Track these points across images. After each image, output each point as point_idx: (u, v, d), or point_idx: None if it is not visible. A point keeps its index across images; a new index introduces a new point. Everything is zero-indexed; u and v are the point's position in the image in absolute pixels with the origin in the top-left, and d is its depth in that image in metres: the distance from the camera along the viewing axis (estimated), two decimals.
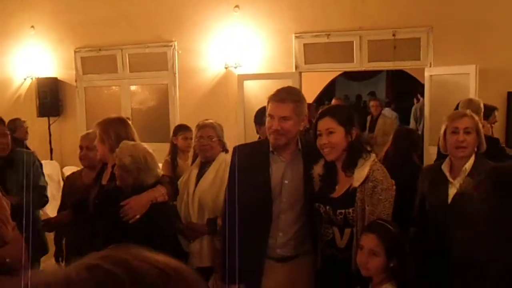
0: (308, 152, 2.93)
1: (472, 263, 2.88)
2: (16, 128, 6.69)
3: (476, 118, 3.12)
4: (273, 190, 2.89)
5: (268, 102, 2.91)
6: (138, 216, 3.02)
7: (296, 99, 2.89)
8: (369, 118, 8.42)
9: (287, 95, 2.87)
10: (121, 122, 3.58)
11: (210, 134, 3.85)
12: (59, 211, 4.24)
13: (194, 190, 3.83)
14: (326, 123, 2.76)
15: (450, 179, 3.06)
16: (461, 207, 2.88)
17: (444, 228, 3.00)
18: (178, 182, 3.97)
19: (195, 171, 3.96)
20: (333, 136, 2.74)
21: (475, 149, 3.05)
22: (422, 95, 8.11)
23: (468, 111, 3.17)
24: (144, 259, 0.70)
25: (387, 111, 11.46)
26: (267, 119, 2.90)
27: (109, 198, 3.17)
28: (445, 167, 3.11)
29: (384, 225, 2.56)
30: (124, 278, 0.65)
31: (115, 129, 3.45)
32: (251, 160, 2.93)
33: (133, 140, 3.48)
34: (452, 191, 3.03)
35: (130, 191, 3.10)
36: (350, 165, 2.75)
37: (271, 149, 2.93)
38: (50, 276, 0.67)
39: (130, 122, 3.95)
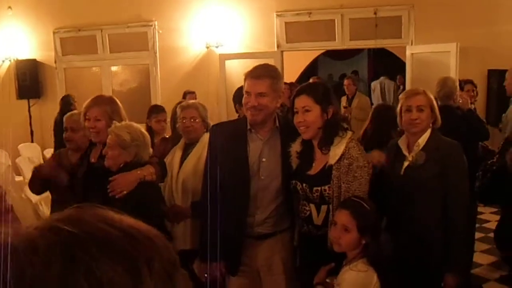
0: (286, 130, 2.93)
1: (425, 234, 3.01)
2: None
3: (430, 95, 3.21)
4: (251, 168, 2.88)
5: (245, 79, 2.90)
6: (125, 192, 3.01)
7: (273, 75, 2.88)
8: (344, 98, 8.37)
9: (263, 72, 2.87)
10: (115, 101, 3.58)
11: (193, 115, 3.81)
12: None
13: (178, 172, 3.80)
14: (302, 101, 2.76)
15: (406, 153, 3.16)
16: (413, 178, 3.05)
17: (398, 200, 3.14)
18: None
19: (179, 153, 3.91)
20: (309, 114, 2.74)
21: (430, 125, 3.15)
22: (404, 73, 8.12)
23: (421, 89, 3.24)
24: (111, 222, 0.69)
25: (386, 81, 11.50)
26: (244, 96, 2.89)
27: (99, 174, 3.15)
28: (401, 143, 3.21)
29: (357, 202, 2.58)
30: (90, 242, 0.64)
31: (112, 107, 3.45)
32: (229, 138, 2.92)
33: (125, 120, 3.55)
34: (405, 164, 3.14)
35: (121, 170, 3.09)
36: (326, 143, 2.76)
37: (248, 127, 2.93)
38: (14, 239, 0.65)
39: None
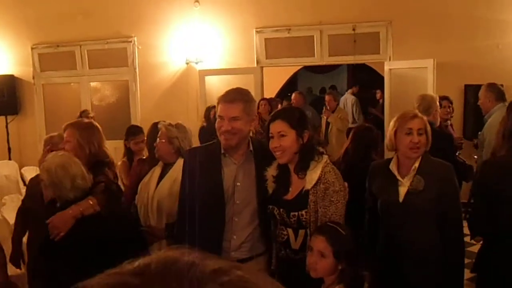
0: (260, 153, 2.92)
1: (423, 257, 3.00)
2: None
3: (425, 118, 3.17)
4: (225, 192, 2.86)
5: (218, 103, 2.89)
6: (61, 234, 2.91)
7: (246, 99, 2.87)
8: (324, 110, 8.47)
9: (236, 95, 2.85)
10: (91, 127, 3.65)
11: (160, 135, 3.80)
12: (19, 213, 4.17)
13: (153, 193, 3.78)
14: (277, 126, 2.76)
15: (400, 178, 3.09)
16: (413, 204, 3.00)
17: (396, 226, 3.09)
18: (139, 185, 3.90)
19: (157, 173, 3.87)
20: (284, 139, 2.73)
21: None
22: (382, 87, 8.20)
23: (417, 111, 3.22)
24: None
25: (348, 96, 11.67)
26: (217, 120, 2.87)
27: (48, 214, 3.06)
28: (393, 166, 3.13)
29: (333, 228, 2.58)
30: None
31: (85, 133, 3.52)
32: (203, 163, 2.90)
33: (101, 145, 3.61)
34: (402, 190, 3.06)
35: (59, 207, 2.99)
36: (302, 168, 2.76)
37: (222, 151, 2.91)
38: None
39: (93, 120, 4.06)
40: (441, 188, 2.98)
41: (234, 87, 2.98)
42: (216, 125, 2.88)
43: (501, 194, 2.93)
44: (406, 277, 3.04)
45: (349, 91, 12.28)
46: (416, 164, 3.05)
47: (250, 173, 2.91)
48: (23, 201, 4.27)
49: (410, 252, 3.03)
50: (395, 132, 3.11)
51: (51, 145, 3.83)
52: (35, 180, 4.15)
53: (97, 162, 3.50)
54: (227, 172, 2.90)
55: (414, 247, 3.02)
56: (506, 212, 2.91)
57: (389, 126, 3.19)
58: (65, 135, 3.62)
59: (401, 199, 3.05)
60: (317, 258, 2.53)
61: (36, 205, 3.60)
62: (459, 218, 3.05)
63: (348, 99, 11.56)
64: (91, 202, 3.06)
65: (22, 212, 4.13)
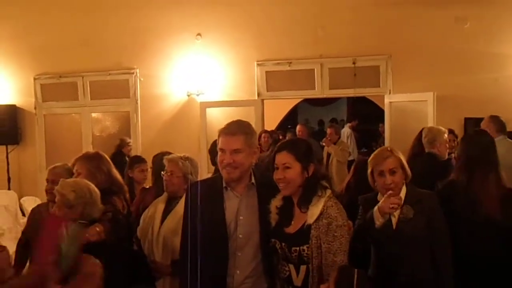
0: (262, 186, 2.90)
1: (416, 281, 3.09)
2: None
3: (399, 154, 3.26)
4: (228, 227, 2.83)
5: (219, 136, 2.87)
6: None
7: (247, 131, 2.87)
8: (325, 140, 8.54)
9: (237, 128, 2.85)
10: (98, 156, 3.81)
11: (172, 169, 3.78)
12: (19, 246, 4.13)
13: (159, 228, 3.72)
14: (283, 158, 2.75)
15: None
16: (405, 232, 3.11)
17: (390, 254, 3.19)
18: (142, 217, 3.87)
19: (161, 207, 3.83)
20: (289, 172, 2.73)
21: (404, 181, 3.22)
22: (383, 120, 8.25)
23: (388, 151, 3.28)
24: None
25: (345, 129, 11.76)
26: (219, 153, 2.86)
27: None
28: (381, 198, 3.21)
29: (346, 268, 2.54)
30: None
31: (94, 163, 3.65)
32: (205, 197, 2.87)
33: (111, 172, 3.73)
34: (394, 219, 3.17)
35: None
36: (305, 202, 2.74)
37: (224, 184, 2.89)
38: None
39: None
40: (429, 216, 3.14)
41: (235, 119, 2.98)
42: (218, 158, 2.87)
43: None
44: None
45: (348, 125, 12.39)
46: (402, 195, 3.17)
47: (253, 206, 2.88)
48: (23, 232, 4.24)
49: (405, 278, 3.09)
50: (372, 173, 3.27)
51: (55, 175, 3.84)
52: (37, 209, 4.14)
53: (105, 190, 3.51)
54: (229, 206, 2.87)
55: (410, 274, 3.10)
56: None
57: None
58: (75, 168, 3.74)
59: (394, 227, 3.16)
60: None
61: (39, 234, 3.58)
62: (447, 244, 3.18)
63: (345, 132, 11.66)
64: (97, 229, 3.10)
65: (22, 246, 4.10)
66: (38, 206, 4.26)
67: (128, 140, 7.94)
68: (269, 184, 2.84)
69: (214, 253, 2.80)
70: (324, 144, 8.45)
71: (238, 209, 2.87)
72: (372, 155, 3.36)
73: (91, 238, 3.02)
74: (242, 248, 2.85)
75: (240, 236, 2.85)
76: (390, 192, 3.09)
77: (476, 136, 3.88)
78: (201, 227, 2.67)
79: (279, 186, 2.79)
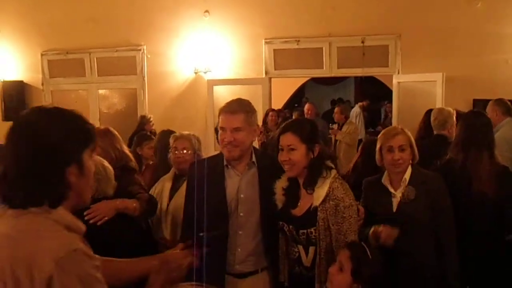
0: (263, 164, 2.90)
1: (418, 265, 3.09)
2: None
3: (409, 133, 3.28)
4: (229, 205, 2.84)
5: (219, 115, 2.87)
6: (106, 218, 2.98)
7: (247, 109, 2.86)
8: (335, 126, 8.39)
9: (237, 106, 2.84)
10: (109, 133, 3.71)
11: (185, 146, 3.78)
12: None
13: (167, 205, 3.73)
14: (288, 139, 2.73)
15: (392, 191, 3.23)
16: (407, 214, 3.12)
17: None
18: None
19: (168, 185, 3.83)
20: (294, 153, 2.71)
21: (410, 162, 3.22)
22: (390, 100, 8.19)
23: (400, 128, 3.33)
24: None
25: (355, 109, 11.68)
26: (220, 132, 2.86)
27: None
28: (385, 181, 3.28)
29: (362, 247, 2.53)
30: None
31: (107, 140, 3.57)
32: (206, 175, 2.86)
33: (123, 148, 3.68)
34: (395, 201, 3.20)
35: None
36: (310, 184, 2.73)
37: (225, 163, 2.90)
38: None
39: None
40: (433, 197, 3.15)
41: (242, 97, 2.98)
42: (219, 137, 2.87)
43: None
44: (402, 285, 3.08)
45: (359, 104, 12.27)
46: (406, 176, 3.19)
47: (254, 184, 2.88)
48: None
49: (408, 262, 3.10)
50: (380, 149, 3.26)
51: None
52: None
53: (124, 168, 3.52)
54: (230, 184, 2.88)
55: (413, 256, 3.11)
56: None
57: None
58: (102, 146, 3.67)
59: (394, 209, 3.17)
60: (337, 271, 2.50)
61: None
62: (452, 227, 3.19)
63: (354, 111, 11.58)
64: (134, 205, 3.15)
65: None
66: None
67: (149, 116, 7.80)
68: (270, 163, 2.84)
69: (215, 231, 2.81)
70: (331, 133, 8.23)
71: (239, 187, 2.87)
72: (381, 132, 3.39)
73: (126, 210, 3.10)
74: (243, 227, 2.87)
75: (241, 214, 2.86)
76: (387, 226, 3.05)
77: (473, 117, 3.93)
78: (202, 205, 2.66)
79: (284, 167, 2.78)
